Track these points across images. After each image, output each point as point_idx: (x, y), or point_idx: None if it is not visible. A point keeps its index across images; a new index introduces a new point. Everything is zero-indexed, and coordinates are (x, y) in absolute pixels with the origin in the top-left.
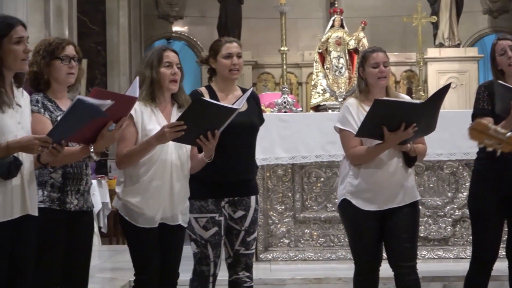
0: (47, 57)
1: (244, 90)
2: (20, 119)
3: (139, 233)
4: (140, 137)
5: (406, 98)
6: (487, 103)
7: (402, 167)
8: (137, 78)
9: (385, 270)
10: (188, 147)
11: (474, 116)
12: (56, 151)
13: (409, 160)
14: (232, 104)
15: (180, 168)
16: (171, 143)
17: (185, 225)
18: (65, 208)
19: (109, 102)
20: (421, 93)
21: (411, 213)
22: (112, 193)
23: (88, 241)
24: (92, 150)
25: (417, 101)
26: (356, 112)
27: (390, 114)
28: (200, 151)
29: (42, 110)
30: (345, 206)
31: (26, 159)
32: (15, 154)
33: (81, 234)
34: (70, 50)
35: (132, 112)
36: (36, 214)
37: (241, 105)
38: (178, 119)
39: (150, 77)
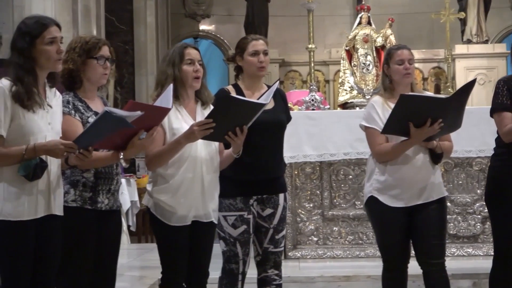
0: (83, 56)
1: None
2: (50, 120)
3: (170, 231)
4: (168, 137)
5: (431, 95)
6: (506, 97)
7: (429, 162)
8: (171, 85)
9: (415, 267)
10: (216, 142)
11: (493, 111)
12: (83, 156)
13: (435, 157)
14: (258, 99)
15: (210, 162)
16: (199, 140)
17: (216, 222)
18: (97, 207)
19: (138, 113)
20: (449, 89)
21: (438, 210)
22: (141, 192)
23: (116, 240)
24: (121, 157)
25: (443, 96)
26: (381, 109)
27: (415, 110)
28: (226, 147)
29: (73, 112)
30: (372, 203)
31: (54, 161)
32: (42, 156)
33: (110, 233)
34: (105, 50)
35: None
36: (61, 213)
37: (269, 100)
38: (207, 117)
39: (172, 75)
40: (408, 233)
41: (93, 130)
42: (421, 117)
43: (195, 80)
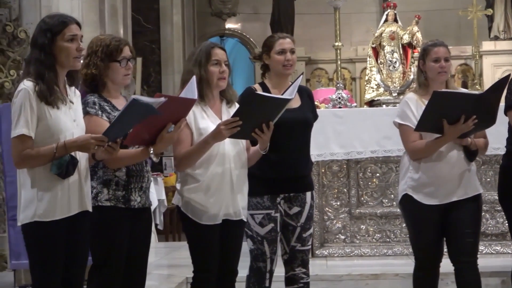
0: (105, 60)
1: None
2: (75, 117)
3: (201, 230)
4: (195, 137)
5: (465, 92)
6: None
7: (463, 159)
8: (194, 77)
9: (443, 265)
10: (243, 141)
11: (508, 109)
12: (112, 149)
13: (470, 154)
14: (282, 93)
15: (237, 158)
16: (226, 139)
17: (246, 220)
18: (130, 206)
19: (162, 99)
20: (477, 86)
21: (473, 207)
22: (168, 190)
23: (147, 237)
24: (151, 152)
25: (476, 92)
26: (415, 106)
27: (449, 107)
28: (253, 144)
29: (100, 112)
30: (406, 201)
31: (82, 156)
32: (72, 153)
33: (141, 230)
34: (126, 51)
35: None
36: (91, 209)
37: (293, 95)
38: (233, 116)
39: (198, 75)
40: (442, 231)
41: (122, 119)
42: (455, 114)
43: (221, 80)
